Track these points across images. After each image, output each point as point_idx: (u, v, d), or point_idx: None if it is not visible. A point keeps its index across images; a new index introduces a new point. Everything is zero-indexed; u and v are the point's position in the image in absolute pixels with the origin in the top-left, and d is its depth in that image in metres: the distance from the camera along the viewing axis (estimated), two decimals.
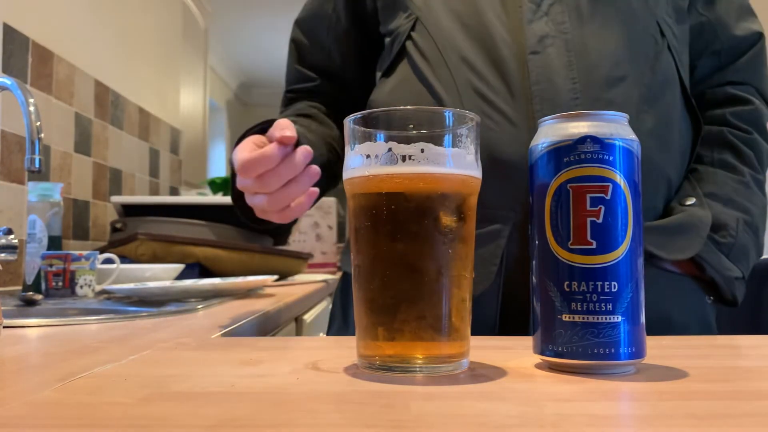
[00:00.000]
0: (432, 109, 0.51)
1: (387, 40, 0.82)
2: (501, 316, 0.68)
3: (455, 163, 0.45)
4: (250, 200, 0.67)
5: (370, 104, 0.81)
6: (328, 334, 0.89)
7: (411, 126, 0.45)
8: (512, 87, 0.69)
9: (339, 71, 0.92)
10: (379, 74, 0.83)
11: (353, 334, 0.76)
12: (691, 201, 0.74)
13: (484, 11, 0.72)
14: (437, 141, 0.44)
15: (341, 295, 0.88)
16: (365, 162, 0.45)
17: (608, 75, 0.69)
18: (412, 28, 0.76)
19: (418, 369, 0.44)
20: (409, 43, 0.76)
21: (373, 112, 0.46)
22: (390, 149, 0.44)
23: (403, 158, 0.44)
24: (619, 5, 0.72)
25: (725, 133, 0.80)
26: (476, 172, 0.47)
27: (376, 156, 0.45)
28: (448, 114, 0.46)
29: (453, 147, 0.45)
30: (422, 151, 0.44)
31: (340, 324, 0.86)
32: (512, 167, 0.67)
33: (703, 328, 0.76)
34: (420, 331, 0.44)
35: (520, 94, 0.68)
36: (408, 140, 0.44)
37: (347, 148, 0.47)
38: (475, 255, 0.67)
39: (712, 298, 0.77)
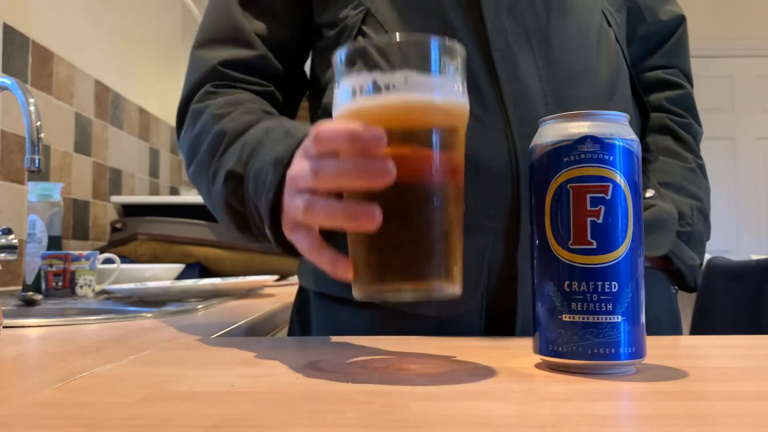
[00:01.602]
0: (418, 41, 0.49)
1: (330, 33, 0.73)
2: (485, 328, 0.66)
3: (441, 92, 0.44)
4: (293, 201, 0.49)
5: (324, 107, 0.73)
6: None
7: (396, 57, 0.45)
8: (480, 86, 0.65)
9: (287, 46, 0.75)
10: (327, 75, 0.74)
11: None
12: (650, 193, 0.74)
13: (441, 2, 0.67)
14: (423, 71, 0.44)
15: (298, 312, 0.80)
16: (350, 95, 0.45)
17: (570, 71, 0.67)
18: (363, 21, 0.70)
19: (410, 292, 0.45)
20: (360, 39, 0.70)
21: (358, 45, 0.46)
22: (374, 80, 0.44)
23: (387, 88, 0.43)
24: None
25: (665, 119, 0.81)
26: (463, 100, 0.46)
27: (361, 88, 0.44)
28: (434, 44, 0.45)
29: (440, 76, 0.44)
30: (406, 80, 0.43)
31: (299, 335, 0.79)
32: (489, 173, 0.64)
33: (671, 317, 0.77)
34: (411, 260, 0.44)
35: (490, 94, 0.65)
36: (393, 71, 0.43)
37: (334, 85, 0.47)
38: None
39: (677, 287, 0.77)
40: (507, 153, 0.64)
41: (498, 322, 0.66)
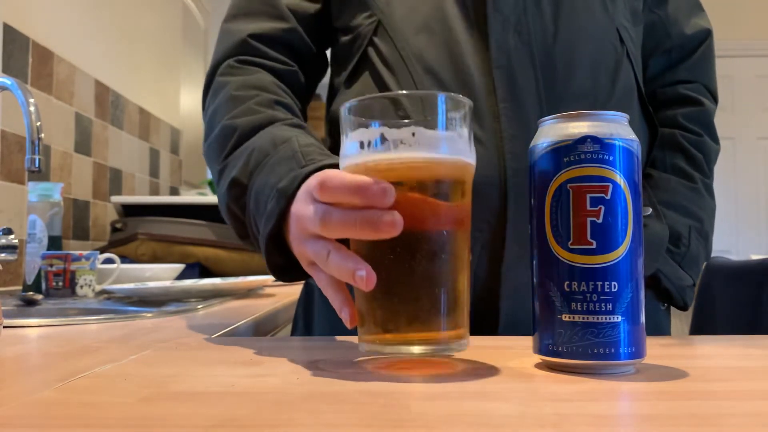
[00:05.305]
0: (424, 94, 0.50)
1: (344, 39, 0.75)
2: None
3: (448, 147, 0.45)
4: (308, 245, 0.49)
5: (332, 114, 0.75)
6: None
7: (404, 111, 0.45)
8: (478, 103, 0.64)
9: (317, 22, 0.76)
10: (339, 79, 0.75)
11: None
12: (648, 212, 0.74)
13: (449, 17, 0.67)
14: (430, 125, 0.44)
15: (303, 307, 0.83)
16: (359, 149, 0.45)
17: (573, 92, 0.67)
18: (374, 32, 0.70)
19: (416, 346, 0.44)
20: (370, 50, 0.71)
21: (365, 99, 0.46)
22: (382, 134, 0.44)
23: (395, 143, 0.44)
24: (582, 16, 0.69)
25: (677, 136, 0.80)
26: (470, 157, 0.47)
27: (369, 143, 0.45)
28: (441, 98, 0.46)
29: (446, 131, 0.45)
30: (413, 135, 0.44)
31: (302, 331, 0.83)
32: (479, 187, 0.64)
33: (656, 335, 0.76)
34: (418, 313, 0.44)
35: (486, 112, 0.65)
36: (400, 125, 0.44)
37: (342, 137, 0.47)
38: None
39: (665, 305, 0.78)
40: (497, 169, 0.64)
41: (480, 332, 0.66)
